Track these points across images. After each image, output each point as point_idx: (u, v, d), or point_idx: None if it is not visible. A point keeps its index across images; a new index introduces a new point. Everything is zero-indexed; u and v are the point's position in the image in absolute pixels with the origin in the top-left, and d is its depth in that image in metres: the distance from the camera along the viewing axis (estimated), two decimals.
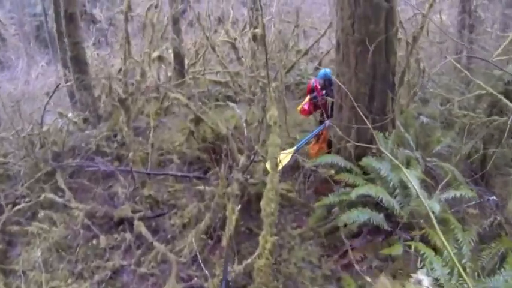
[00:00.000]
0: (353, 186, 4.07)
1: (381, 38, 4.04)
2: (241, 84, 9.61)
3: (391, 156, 3.08)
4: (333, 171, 4.73)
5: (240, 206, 3.63)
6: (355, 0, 4.01)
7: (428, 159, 4.95)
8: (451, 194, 3.98)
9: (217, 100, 8.85)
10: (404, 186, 4.03)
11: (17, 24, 19.39)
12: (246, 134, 4.46)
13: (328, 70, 5.66)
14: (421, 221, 3.87)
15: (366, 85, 4.20)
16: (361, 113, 3.34)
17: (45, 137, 6.77)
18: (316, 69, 10.40)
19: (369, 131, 4.30)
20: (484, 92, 5.35)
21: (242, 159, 4.33)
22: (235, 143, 4.99)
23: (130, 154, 5.28)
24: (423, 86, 6.22)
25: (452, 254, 2.23)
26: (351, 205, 3.99)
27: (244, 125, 4.63)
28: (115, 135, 6.85)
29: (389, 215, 3.96)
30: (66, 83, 8.57)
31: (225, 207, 4.11)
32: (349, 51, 4.20)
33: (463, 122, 5.62)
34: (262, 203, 3.26)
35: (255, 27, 10.87)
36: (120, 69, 9.12)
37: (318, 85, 5.58)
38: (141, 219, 4.71)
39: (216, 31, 11.19)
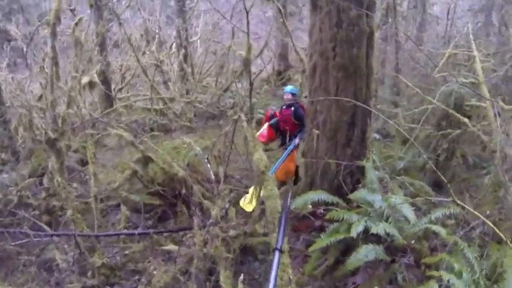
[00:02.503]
0: (339, 221, 3.55)
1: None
2: (175, 110, 8.63)
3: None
4: (310, 206, 4.14)
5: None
6: (336, 23, 3.45)
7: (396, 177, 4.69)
8: (440, 212, 3.69)
9: (152, 130, 7.73)
10: (395, 212, 3.68)
11: None
12: (212, 177, 3.60)
13: (292, 87, 5.37)
14: (412, 241, 3.57)
15: (348, 113, 3.67)
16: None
17: None
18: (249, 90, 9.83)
19: (350, 161, 3.84)
20: (431, 106, 5.32)
21: (215, 210, 3.46)
22: (196, 184, 4.09)
23: (69, 213, 4.01)
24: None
25: None
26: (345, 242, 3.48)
27: (209, 165, 3.77)
28: (41, 182, 5.39)
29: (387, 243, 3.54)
30: None
31: (209, 272, 3.23)
32: (328, 77, 3.63)
33: (417, 135, 5.48)
34: None
35: (185, 48, 9.98)
36: (40, 96, 7.52)
37: (276, 113, 5.29)
38: None
39: (144, 53, 10.01)
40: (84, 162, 6.31)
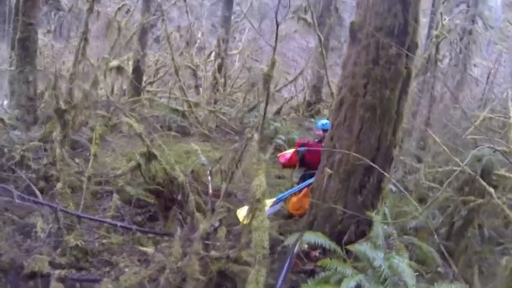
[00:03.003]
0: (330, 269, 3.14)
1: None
2: (198, 116, 8.45)
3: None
4: (306, 246, 3.76)
5: None
6: (373, 59, 3.16)
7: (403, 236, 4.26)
8: (445, 286, 3.16)
9: (170, 129, 7.58)
10: (395, 274, 3.21)
11: None
12: (210, 191, 3.31)
13: (326, 122, 4.97)
14: None
15: (367, 156, 3.32)
16: None
17: None
18: (277, 113, 9.61)
19: (359, 209, 3.47)
20: (457, 169, 4.90)
21: (203, 224, 3.15)
22: (193, 194, 3.81)
23: (59, 185, 3.85)
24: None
25: None
26: None
27: (209, 178, 3.50)
28: (46, 149, 5.27)
29: None
30: (10, 67, 6.78)
31: None
32: (354, 115, 3.32)
33: (437, 197, 5.05)
34: None
35: (222, 58, 9.89)
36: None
37: (310, 142, 4.94)
38: (61, 280, 3.22)
39: (181, 53, 9.99)
40: None
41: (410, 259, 3.62)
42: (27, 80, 5.68)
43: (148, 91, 9.22)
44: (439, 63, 7.78)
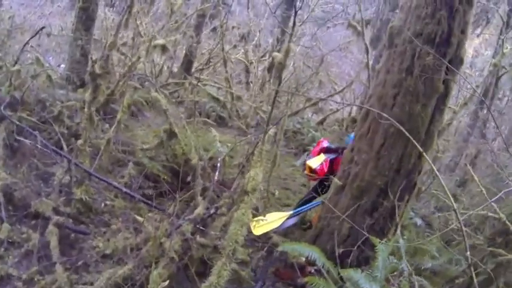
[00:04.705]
0: None
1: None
2: (239, 109, 8.35)
3: None
4: (303, 259, 3.49)
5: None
6: (408, 68, 2.83)
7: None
8: None
9: (208, 117, 7.55)
10: None
11: None
12: (216, 177, 3.18)
13: None
14: None
15: (384, 177, 3.00)
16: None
17: (12, 77, 5.25)
18: (320, 123, 9.27)
19: (368, 233, 3.14)
20: (491, 215, 4.35)
21: (199, 208, 3.02)
22: (203, 179, 3.70)
23: (79, 142, 3.96)
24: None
25: None
26: None
27: (219, 164, 3.37)
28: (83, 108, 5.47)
29: None
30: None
31: (156, 262, 2.83)
32: (378, 127, 3.01)
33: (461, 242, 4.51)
34: None
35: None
36: (125, 43, 7.83)
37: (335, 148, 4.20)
38: (57, 225, 3.38)
39: (235, 46, 10.00)
40: (132, 113, 6.41)
41: None
42: (80, 45, 5.90)
43: (196, 77, 9.31)
44: (497, 102, 7.00)
